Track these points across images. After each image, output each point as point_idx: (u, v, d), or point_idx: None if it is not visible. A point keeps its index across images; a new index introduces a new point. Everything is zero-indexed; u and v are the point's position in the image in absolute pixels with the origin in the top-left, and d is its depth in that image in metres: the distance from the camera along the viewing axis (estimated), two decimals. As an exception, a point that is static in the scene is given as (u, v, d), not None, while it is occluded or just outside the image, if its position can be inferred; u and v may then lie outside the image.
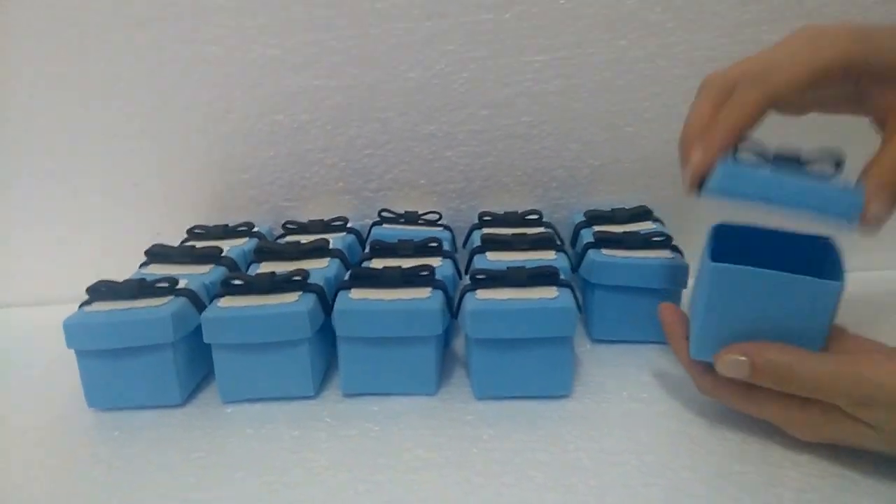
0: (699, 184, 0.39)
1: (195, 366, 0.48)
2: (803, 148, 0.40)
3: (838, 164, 0.39)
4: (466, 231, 0.62)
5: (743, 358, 0.37)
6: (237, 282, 0.47)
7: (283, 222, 0.63)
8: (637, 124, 0.62)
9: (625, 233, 0.54)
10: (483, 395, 0.46)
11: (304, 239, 0.57)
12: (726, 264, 0.37)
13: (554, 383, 0.45)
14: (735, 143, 0.39)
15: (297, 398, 0.47)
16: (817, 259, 0.41)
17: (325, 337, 0.49)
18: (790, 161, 0.39)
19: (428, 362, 0.46)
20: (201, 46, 0.60)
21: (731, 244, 0.43)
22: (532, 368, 0.45)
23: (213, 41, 0.60)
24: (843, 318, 0.39)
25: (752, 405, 0.39)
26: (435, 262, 0.52)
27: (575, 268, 0.55)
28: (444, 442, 0.42)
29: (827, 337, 0.38)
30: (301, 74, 0.61)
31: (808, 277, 0.36)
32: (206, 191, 0.65)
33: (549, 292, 0.45)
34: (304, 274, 0.47)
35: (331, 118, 0.63)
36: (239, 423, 0.45)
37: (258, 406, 0.46)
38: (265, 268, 0.53)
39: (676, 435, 0.42)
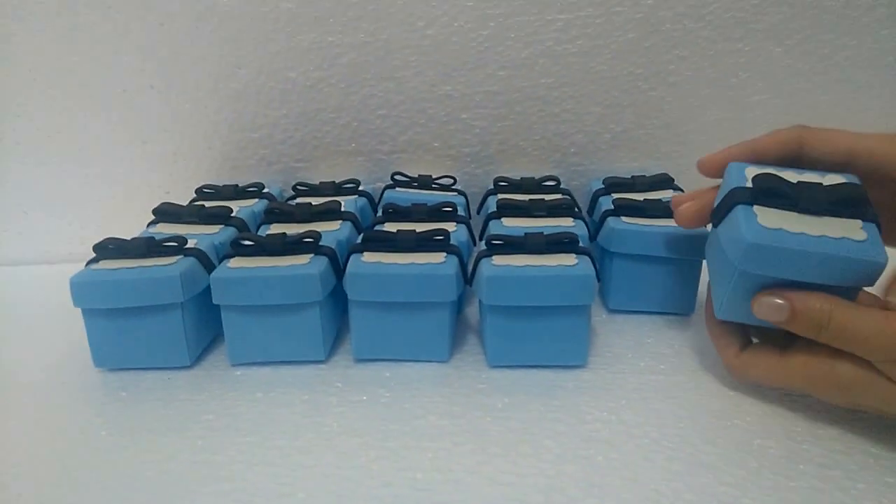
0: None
1: (204, 327, 0.47)
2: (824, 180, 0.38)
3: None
4: (481, 197, 0.60)
5: (782, 301, 0.36)
6: (248, 242, 0.46)
7: (293, 183, 0.61)
8: (662, 88, 0.60)
9: (646, 200, 0.53)
10: (496, 363, 0.45)
11: (315, 201, 0.55)
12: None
13: (570, 352, 0.44)
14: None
15: (307, 363, 0.46)
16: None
17: (337, 301, 0.48)
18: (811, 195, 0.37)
19: (441, 328, 0.44)
20: (211, -1, 0.58)
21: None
22: (547, 337, 0.44)
23: (224, -7, 0.58)
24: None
25: (781, 374, 0.38)
26: (449, 227, 0.51)
27: (593, 236, 0.53)
28: (458, 410, 0.41)
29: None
30: (315, 30, 0.59)
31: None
32: (216, 149, 0.63)
33: (568, 259, 0.43)
34: (316, 236, 0.46)
35: (344, 76, 0.61)
36: (248, 387, 0.44)
37: (267, 370, 0.46)
38: (275, 229, 0.51)
39: (695, 407, 0.40)
